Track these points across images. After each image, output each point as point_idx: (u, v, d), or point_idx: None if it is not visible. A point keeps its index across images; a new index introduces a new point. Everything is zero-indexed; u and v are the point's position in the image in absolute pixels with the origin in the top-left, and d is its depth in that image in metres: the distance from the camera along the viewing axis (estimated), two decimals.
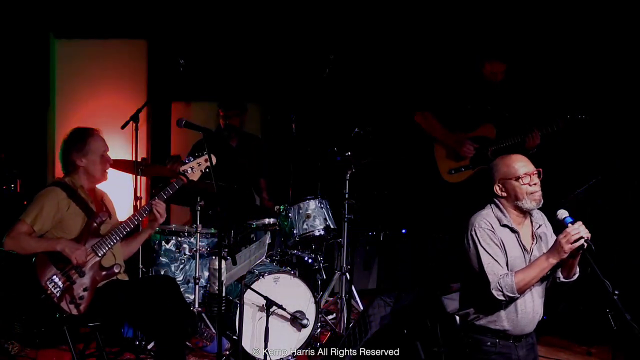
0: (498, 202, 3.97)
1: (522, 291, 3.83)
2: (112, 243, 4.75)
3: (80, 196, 4.80)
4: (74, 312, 4.61)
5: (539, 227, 4.01)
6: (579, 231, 3.73)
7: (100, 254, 4.71)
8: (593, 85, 6.52)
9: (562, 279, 3.93)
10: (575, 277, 3.94)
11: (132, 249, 5.06)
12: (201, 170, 4.93)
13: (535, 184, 3.89)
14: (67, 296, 4.60)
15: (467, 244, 3.94)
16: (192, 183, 4.96)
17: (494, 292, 3.84)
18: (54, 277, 4.61)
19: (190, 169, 4.92)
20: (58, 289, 4.59)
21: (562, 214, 3.88)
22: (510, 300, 3.87)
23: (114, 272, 4.77)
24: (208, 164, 4.87)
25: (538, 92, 6.56)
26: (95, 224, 4.74)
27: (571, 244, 3.72)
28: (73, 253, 4.61)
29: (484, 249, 3.90)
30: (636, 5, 6.32)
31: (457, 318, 4.08)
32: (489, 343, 3.95)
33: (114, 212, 5.05)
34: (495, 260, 3.88)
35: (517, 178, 3.88)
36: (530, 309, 3.93)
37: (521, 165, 3.92)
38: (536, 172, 3.92)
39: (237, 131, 6.82)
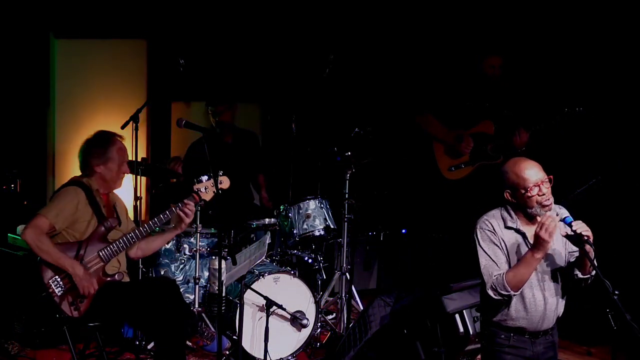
0: (507, 205, 3.96)
1: (516, 288, 3.82)
2: (118, 251, 4.76)
3: (95, 200, 4.79)
4: (73, 314, 4.62)
5: None
6: (552, 218, 3.73)
7: (105, 260, 4.72)
8: (594, 82, 6.51)
9: (579, 276, 3.92)
10: (593, 273, 3.90)
11: (155, 246, 5.05)
12: (214, 192, 4.90)
13: (544, 194, 3.86)
14: (68, 297, 4.62)
15: (473, 244, 3.96)
16: (203, 202, 4.94)
17: (489, 292, 3.86)
18: (57, 277, 4.61)
19: (204, 188, 4.88)
20: (60, 289, 4.60)
21: (563, 213, 3.88)
22: (509, 298, 3.87)
23: (115, 280, 4.78)
24: (222, 186, 4.90)
25: (536, 89, 6.56)
26: (103, 229, 4.74)
27: (549, 232, 3.71)
28: (81, 282, 4.60)
29: (483, 249, 3.91)
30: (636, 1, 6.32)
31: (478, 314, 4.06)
32: (502, 336, 3.96)
33: (127, 219, 5.05)
34: (493, 261, 3.88)
35: (526, 189, 3.86)
36: (541, 305, 3.91)
37: (530, 174, 3.86)
38: (546, 179, 3.89)
39: (230, 127, 6.79)
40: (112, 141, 4.84)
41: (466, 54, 6.72)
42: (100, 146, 4.82)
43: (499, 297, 3.85)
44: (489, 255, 3.89)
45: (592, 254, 3.78)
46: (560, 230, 3.90)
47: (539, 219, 3.84)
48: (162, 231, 5.04)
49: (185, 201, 4.83)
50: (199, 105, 7.59)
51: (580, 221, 3.78)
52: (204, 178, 4.92)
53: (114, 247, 4.73)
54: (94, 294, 4.67)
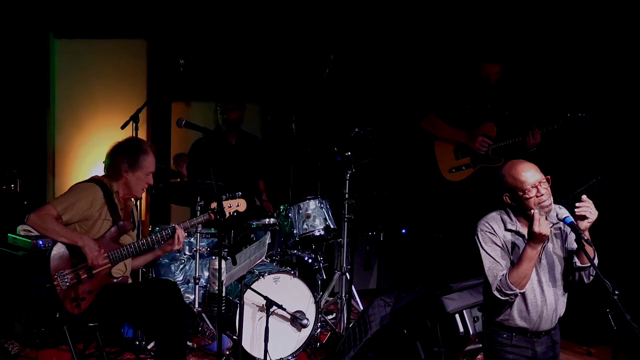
0: (507, 208, 3.97)
1: (521, 286, 3.83)
2: (128, 255, 4.76)
3: (113, 201, 4.79)
4: (73, 311, 4.63)
5: (552, 225, 3.98)
6: (541, 212, 3.75)
7: (113, 262, 4.73)
8: (594, 83, 6.51)
9: (578, 264, 3.92)
10: (594, 261, 3.89)
11: (137, 263, 5.03)
12: (229, 213, 4.92)
13: (542, 195, 3.86)
14: (71, 293, 4.63)
15: (474, 247, 3.96)
16: (217, 221, 4.94)
17: (495, 293, 3.87)
18: (65, 271, 4.62)
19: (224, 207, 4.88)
20: (65, 283, 4.61)
21: (562, 213, 3.88)
22: (515, 297, 3.87)
23: (119, 283, 4.79)
24: (238, 208, 4.95)
25: (538, 91, 6.56)
26: (117, 230, 4.75)
27: (540, 226, 3.72)
28: (92, 253, 4.61)
29: (486, 251, 3.91)
30: (636, 2, 6.31)
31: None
32: (504, 335, 3.97)
33: (139, 226, 5.06)
34: (497, 261, 3.89)
35: (524, 191, 3.86)
36: (542, 306, 3.92)
37: (528, 176, 3.86)
38: (544, 180, 3.89)
39: (235, 127, 6.80)
40: (145, 150, 4.86)
41: (466, 55, 6.72)
42: (133, 153, 4.82)
43: (506, 298, 3.86)
44: (492, 257, 3.90)
45: (591, 253, 3.79)
46: (552, 219, 3.93)
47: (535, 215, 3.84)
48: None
49: (178, 226, 4.83)
50: (199, 105, 7.60)
51: (586, 203, 3.78)
52: (222, 197, 4.91)
53: (124, 250, 4.74)
54: (96, 293, 4.68)
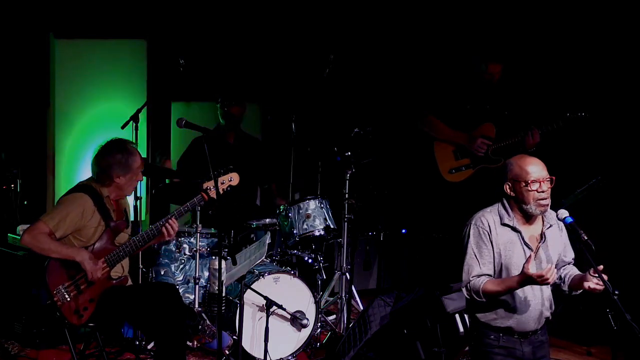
0: (505, 200, 3.98)
1: (489, 299, 3.89)
2: (124, 255, 4.75)
3: (105, 206, 4.77)
4: (75, 321, 4.62)
5: (550, 227, 4.00)
6: (551, 275, 3.74)
7: (111, 265, 4.72)
8: (593, 83, 6.51)
9: (573, 293, 3.95)
10: (580, 291, 3.93)
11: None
12: (223, 189, 4.89)
13: (543, 192, 3.88)
14: (72, 305, 4.61)
15: (463, 237, 3.98)
16: (212, 201, 4.89)
17: (463, 289, 3.92)
18: (63, 285, 4.60)
19: (212, 186, 4.85)
20: (65, 297, 4.59)
21: (562, 213, 3.89)
22: (478, 301, 3.90)
23: (119, 284, 4.78)
24: (231, 182, 4.91)
25: (537, 90, 6.56)
26: (111, 233, 4.72)
27: (546, 283, 3.75)
28: (91, 268, 4.59)
29: (471, 245, 3.95)
30: (636, 2, 6.32)
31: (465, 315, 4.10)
32: (492, 336, 3.99)
33: (138, 225, 5.05)
34: (477, 259, 3.91)
35: (527, 183, 3.87)
36: (530, 306, 3.93)
37: (534, 170, 3.89)
38: (548, 179, 3.91)
39: (235, 125, 6.76)
40: (131, 151, 4.82)
41: (466, 56, 6.72)
42: (122, 157, 4.77)
43: (470, 298, 3.91)
44: (474, 253, 3.93)
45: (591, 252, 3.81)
46: (550, 219, 3.95)
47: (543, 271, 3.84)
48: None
49: (171, 220, 4.80)
50: (199, 105, 7.59)
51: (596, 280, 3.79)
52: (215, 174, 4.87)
53: (120, 251, 4.72)
54: (97, 301, 4.68)
